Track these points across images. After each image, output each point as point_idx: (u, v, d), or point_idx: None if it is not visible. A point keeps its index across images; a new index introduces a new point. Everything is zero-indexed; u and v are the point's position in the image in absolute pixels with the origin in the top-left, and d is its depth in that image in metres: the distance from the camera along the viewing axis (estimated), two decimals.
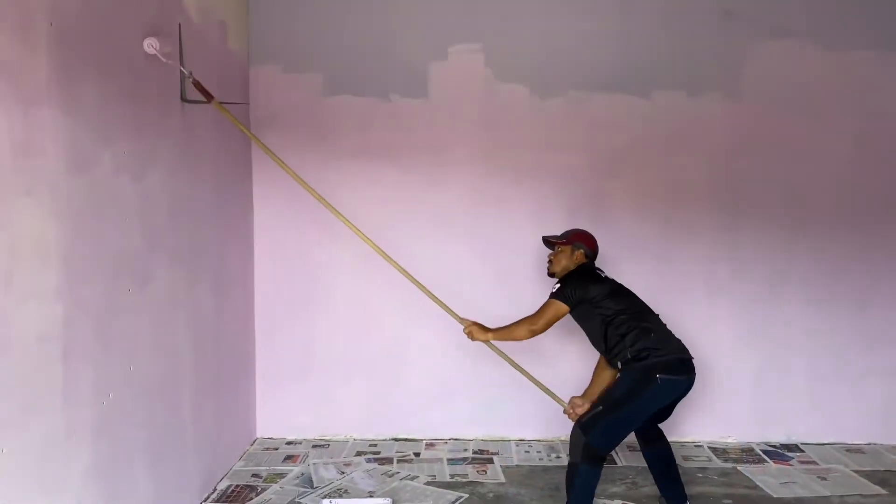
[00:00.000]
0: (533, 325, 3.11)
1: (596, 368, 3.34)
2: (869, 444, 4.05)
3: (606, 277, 3.18)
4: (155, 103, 2.72)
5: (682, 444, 4.01)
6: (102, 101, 2.32)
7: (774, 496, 3.38)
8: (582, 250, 3.25)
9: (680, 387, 2.95)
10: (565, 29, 3.94)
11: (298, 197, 3.98)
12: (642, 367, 2.92)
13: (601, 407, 2.93)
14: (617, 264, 3.80)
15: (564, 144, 3.97)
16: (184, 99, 2.95)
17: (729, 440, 4.08)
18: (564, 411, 3.27)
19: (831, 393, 4.06)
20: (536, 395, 3.52)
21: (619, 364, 3.01)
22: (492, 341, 3.32)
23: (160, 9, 2.76)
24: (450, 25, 3.96)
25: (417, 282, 3.38)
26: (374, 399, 4.11)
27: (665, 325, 3.11)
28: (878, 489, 3.45)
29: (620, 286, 3.17)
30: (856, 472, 3.66)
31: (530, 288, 3.80)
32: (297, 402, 4.11)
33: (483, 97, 3.99)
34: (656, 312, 3.15)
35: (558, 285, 3.14)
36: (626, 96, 3.94)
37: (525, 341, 3.20)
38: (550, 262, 3.30)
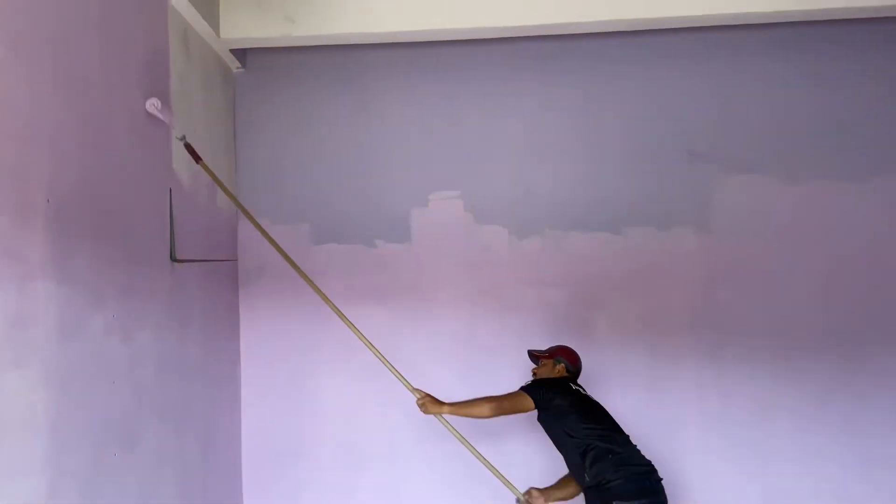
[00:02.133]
0: (499, 405, 3.11)
1: (566, 477, 3.31)
2: None
3: (579, 391, 3.22)
4: (146, 265, 2.82)
5: None
6: (96, 268, 2.40)
7: None
8: (563, 364, 3.37)
9: None
10: (538, 173, 4.14)
11: (285, 348, 4.06)
12: (598, 494, 2.93)
13: None
14: (606, 394, 3.79)
15: (545, 281, 4.08)
16: (173, 259, 3.05)
17: None
18: (518, 500, 3.23)
19: None
20: None
21: (583, 488, 3.05)
22: (445, 416, 3.27)
23: (153, 175, 2.92)
24: (429, 174, 4.16)
25: (367, 340, 3.43)
26: None
27: (633, 445, 3.12)
28: None
29: (590, 403, 3.19)
30: None
31: (522, 420, 3.76)
32: None
33: (464, 239, 4.13)
34: (626, 434, 3.16)
35: (530, 382, 3.23)
36: (600, 233, 4.09)
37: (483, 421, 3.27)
38: (535, 374, 3.41)
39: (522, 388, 3.18)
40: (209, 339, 3.52)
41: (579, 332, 4.02)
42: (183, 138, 3.11)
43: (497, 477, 3.37)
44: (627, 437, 3.16)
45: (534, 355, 3.49)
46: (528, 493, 3.24)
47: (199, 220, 3.47)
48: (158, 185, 2.97)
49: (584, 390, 3.28)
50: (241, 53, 4.09)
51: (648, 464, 3.08)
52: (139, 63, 2.84)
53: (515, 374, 3.90)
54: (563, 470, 3.34)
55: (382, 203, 4.16)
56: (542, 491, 3.26)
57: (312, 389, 4.05)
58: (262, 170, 4.17)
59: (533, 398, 3.13)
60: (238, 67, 4.15)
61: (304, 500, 4.00)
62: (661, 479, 3.07)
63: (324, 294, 3.48)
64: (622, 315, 4.07)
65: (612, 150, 4.15)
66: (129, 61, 2.75)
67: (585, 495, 3.06)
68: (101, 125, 2.51)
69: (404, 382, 3.42)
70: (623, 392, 3.96)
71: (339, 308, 3.58)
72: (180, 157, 3.18)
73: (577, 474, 3.12)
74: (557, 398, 3.13)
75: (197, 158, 3.18)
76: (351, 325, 3.44)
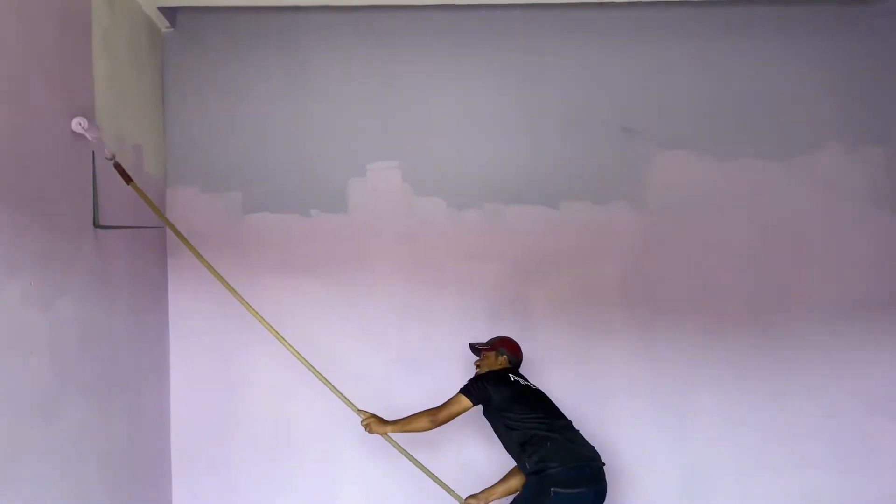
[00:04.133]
0: (435, 416, 3.17)
1: (512, 469, 3.35)
2: None
3: (517, 382, 3.24)
4: (67, 230, 2.67)
5: None
6: (9, 233, 2.26)
7: None
8: (505, 356, 3.40)
9: (583, 499, 2.94)
10: (477, 145, 4.13)
11: (216, 320, 3.95)
12: (538, 479, 2.96)
13: None
14: (541, 367, 3.87)
15: (483, 254, 4.08)
16: (96, 225, 2.91)
17: None
18: None
19: (758, 485, 4.12)
20: None
21: (525, 473, 3.08)
22: (390, 434, 3.31)
23: (74, 136, 2.76)
24: (367, 143, 4.09)
25: (311, 365, 3.42)
26: None
27: (575, 431, 3.18)
28: None
29: (530, 392, 3.24)
30: None
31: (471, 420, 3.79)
32: None
33: (402, 210, 4.09)
34: (568, 419, 3.22)
35: (468, 381, 3.26)
36: (537, 207, 4.12)
37: (427, 433, 3.28)
38: (477, 366, 3.43)
39: (461, 391, 3.22)
40: (136, 309, 3.38)
41: (516, 305, 4.06)
42: (112, 158, 2.97)
43: (439, 485, 3.43)
44: (569, 422, 3.21)
45: (475, 348, 3.51)
46: (467, 501, 3.31)
47: (125, 185, 3.31)
48: (80, 146, 2.82)
49: (523, 380, 3.31)
50: (170, 12, 3.91)
51: (591, 449, 3.13)
52: (56, 16, 2.66)
53: (453, 347, 3.92)
54: (509, 466, 3.39)
55: (318, 172, 4.07)
56: (481, 493, 3.31)
57: (246, 362, 3.95)
58: (191, 135, 4.01)
59: (471, 398, 3.18)
60: (167, 27, 3.97)
61: (236, 478, 3.93)
62: (604, 464, 3.12)
63: (258, 314, 3.45)
64: (558, 287, 4.12)
65: (550, 124, 4.17)
66: (46, 14, 2.57)
67: (525, 481, 3.09)
68: (16, 79, 2.35)
69: (349, 404, 3.42)
70: (556, 363, 4.03)
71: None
72: (105, 116, 3.02)
73: (518, 463, 3.17)
74: (496, 393, 3.17)
75: (128, 179, 3.06)
76: (290, 346, 3.43)
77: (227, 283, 3.41)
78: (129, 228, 3.25)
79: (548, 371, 3.99)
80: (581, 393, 4.06)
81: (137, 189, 3.09)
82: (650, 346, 4.14)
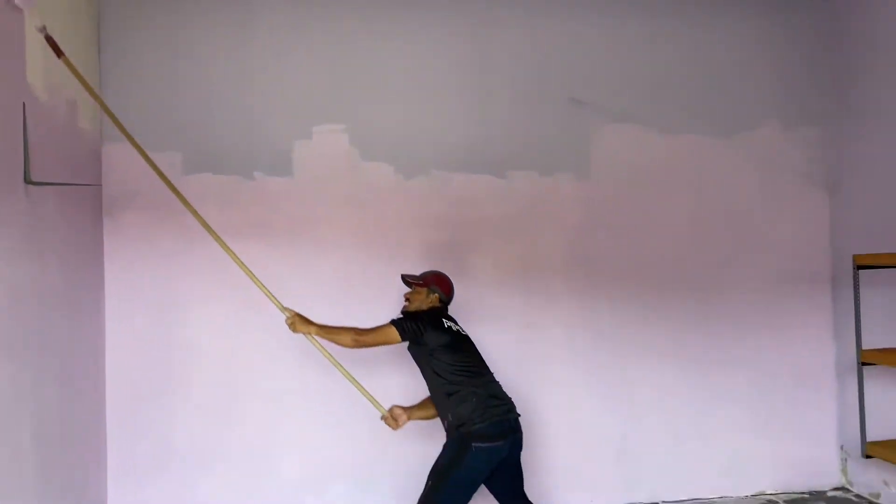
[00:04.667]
0: (361, 337, 3.16)
1: (428, 399, 3.40)
2: (721, 497, 4.30)
3: (450, 328, 3.22)
4: None
5: None
6: None
7: None
8: (437, 294, 3.36)
9: (501, 451, 3.02)
10: (426, 112, 4.10)
11: (153, 279, 3.85)
12: (459, 435, 3.01)
13: (430, 482, 3.01)
14: (483, 334, 3.90)
15: (430, 221, 4.08)
16: (27, 181, 2.78)
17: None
18: (382, 417, 3.35)
19: (687, 450, 4.30)
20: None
21: (446, 424, 3.12)
22: (315, 338, 3.28)
23: (3, 87, 2.62)
24: (313, 105, 4.01)
25: (241, 262, 3.35)
26: (242, 490, 3.90)
27: (497, 384, 3.22)
28: None
29: (461, 340, 3.23)
30: None
31: (406, 361, 3.79)
32: (155, 498, 3.82)
33: (348, 175, 4.04)
34: (490, 371, 3.26)
35: (401, 315, 3.24)
36: (484, 176, 4.13)
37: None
38: (407, 300, 3.38)
39: (392, 322, 3.17)
40: (70, 269, 3.26)
41: (461, 272, 4.06)
42: (43, 29, 2.81)
43: (363, 394, 3.40)
44: (492, 375, 3.25)
45: (407, 281, 3.43)
46: (391, 410, 3.34)
47: (58, 139, 3.17)
48: (10, 98, 2.67)
49: (455, 324, 3.30)
50: None
51: (508, 401, 3.18)
52: None
53: (397, 313, 3.91)
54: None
55: (262, 133, 3.98)
56: (405, 409, 3.36)
57: (184, 323, 3.87)
58: (130, 91, 3.85)
59: (401, 332, 3.15)
60: None
61: (175, 441, 3.86)
62: (519, 415, 3.19)
63: (192, 207, 3.34)
64: (502, 256, 4.16)
65: (500, 94, 4.17)
66: None
67: (448, 433, 3.13)
68: None
69: (274, 301, 3.35)
70: (499, 329, 4.08)
71: (214, 250, 3.43)
72: (37, 67, 2.87)
73: (440, 410, 3.19)
74: (428, 335, 3.14)
75: (58, 52, 2.90)
76: (223, 243, 3.34)
77: (167, 179, 3.33)
78: (62, 186, 3.11)
79: (490, 337, 4.03)
80: (522, 359, 4.13)
81: (69, 64, 2.95)
82: (590, 315, 4.23)
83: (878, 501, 4.12)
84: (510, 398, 3.23)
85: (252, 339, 3.90)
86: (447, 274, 3.51)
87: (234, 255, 3.35)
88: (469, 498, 3.06)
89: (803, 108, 4.45)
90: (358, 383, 3.41)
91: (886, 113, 4.04)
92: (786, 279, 4.41)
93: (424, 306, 3.32)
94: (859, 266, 3.61)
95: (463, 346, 3.21)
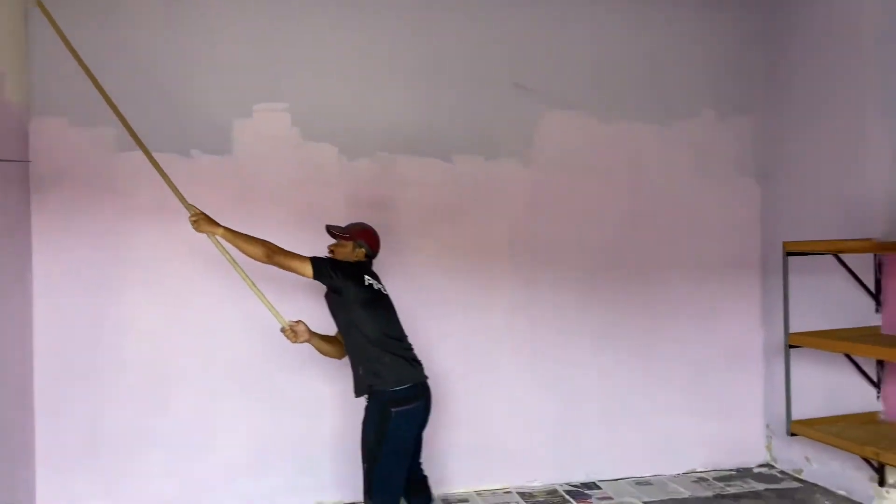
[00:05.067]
0: (273, 254, 2.98)
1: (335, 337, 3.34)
2: (654, 475, 4.43)
3: (371, 286, 3.11)
4: None
5: (493, 492, 4.15)
6: None
7: None
8: (363, 249, 3.26)
9: (419, 412, 3.06)
10: (371, 93, 4.05)
11: (84, 258, 3.71)
12: (378, 404, 3.01)
13: (365, 465, 3.01)
14: (425, 317, 3.92)
15: (374, 204, 4.04)
16: None
17: (535, 484, 4.28)
18: (282, 330, 3.23)
19: (622, 431, 4.41)
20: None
21: (355, 373, 3.09)
22: (220, 240, 3.14)
23: None
24: (254, 83, 3.92)
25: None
26: (176, 474, 3.82)
27: (409, 347, 3.17)
28: None
29: (381, 298, 3.14)
30: (646, 503, 3.99)
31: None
32: (85, 484, 3.71)
33: (290, 155, 3.97)
34: (404, 333, 3.20)
35: (327, 255, 3.12)
36: (430, 159, 4.12)
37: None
38: (332, 252, 3.25)
39: (312, 259, 3.03)
40: None
41: (404, 256, 4.06)
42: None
43: (266, 305, 3.26)
44: (407, 339, 3.21)
45: (332, 233, 3.30)
46: (298, 322, 3.22)
47: None
48: None
49: (378, 281, 3.21)
50: None
51: (420, 365, 3.17)
52: None
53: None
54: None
55: (200, 110, 3.86)
56: (310, 331, 3.25)
57: (116, 303, 3.74)
58: (59, 63, 3.64)
59: (315, 270, 3.00)
60: None
61: (106, 426, 3.74)
62: (427, 377, 3.16)
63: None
64: (447, 239, 4.16)
65: (447, 77, 4.16)
66: None
67: (357, 384, 3.10)
68: None
69: (179, 196, 3.23)
70: (441, 313, 4.11)
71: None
72: None
73: (353, 360, 3.13)
74: (349, 288, 3.04)
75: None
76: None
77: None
78: None
79: (433, 321, 4.06)
80: (463, 342, 4.17)
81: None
82: (531, 298, 4.29)
83: (801, 477, 4.32)
84: (420, 361, 3.19)
85: (187, 319, 3.81)
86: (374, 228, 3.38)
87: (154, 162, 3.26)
88: (407, 460, 3.08)
89: (737, 98, 4.58)
90: (261, 293, 3.26)
91: (815, 103, 4.20)
92: (719, 265, 4.56)
93: (350, 260, 3.21)
94: (789, 253, 3.75)
95: (381, 305, 3.14)
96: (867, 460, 3.72)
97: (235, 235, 3.05)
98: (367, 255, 3.28)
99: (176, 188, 3.25)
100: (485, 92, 4.20)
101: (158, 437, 3.81)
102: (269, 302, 3.27)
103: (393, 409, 2.97)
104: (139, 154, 3.76)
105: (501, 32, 4.22)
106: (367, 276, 3.14)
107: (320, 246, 3.89)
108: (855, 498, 3.92)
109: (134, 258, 3.76)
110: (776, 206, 4.51)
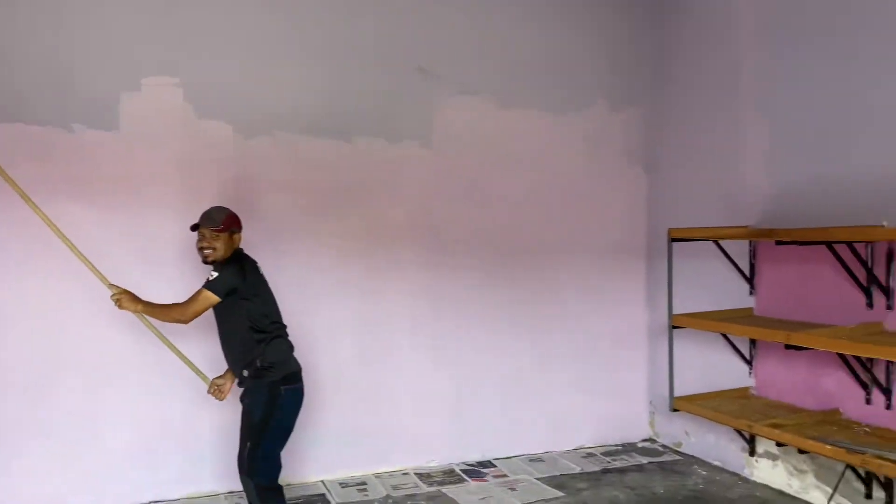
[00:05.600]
0: (181, 317, 3.04)
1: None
2: (546, 452, 4.60)
3: (258, 270, 3.16)
4: None
5: (391, 474, 4.18)
6: None
7: None
8: (238, 234, 3.17)
9: (300, 392, 3.13)
10: (270, 69, 3.93)
11: None
12: (266, 384, 3.03)
13: (249, 443, 3.02)
14: (326, 301, 3.89)
15: (271, 184, 3.94)
16: None
17: (432, 464, 4.34)
18: (209, 391, 3.29)
19: (516, 410, 4.55)
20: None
21: (246, 372, 3.08)
22: (143, 314, 3.16)
23: None
24: (143, 54, 3.71)
25: (66, 238, 3.16)
26: (62, 466, 3.61)
27: (285, 326, 3.21)
28: (557, 493, 3.94)
29: (259, 285, 3.13)
30: (539, 479, 4.14)
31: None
32: None
33: (182, 133, 3.80)
34: (280, 314, 3.21)
35: (215, 274, 3.03)
36: (332, 140, 4.06)
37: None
38: (211, 248, 3.07)
39: (206, 286, 3.00)
40: None
41: (304, 238, 3.99)
42: None
43: (190, 367, 3.31)
44: (283, 321, 3.21)
45: (206, 229, 3.10)
46: (213, 383, 3.29)
47: None
48: None
49: (255, 264, 3.17)
50: None
51: (291, 346, 3.20)
52: None
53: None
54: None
55: (83, 82, 3.63)
56: (224, 378, 3.29)
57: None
58: None
59: (217, 293, 2.99)
60: None
61: None
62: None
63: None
64: (348, 222, 4.12)
65: (350, 57, 4.10)
66: None
67: (244, 382, 3.11)
68: None
69: (100, 277, 3.16)
70: (342, 295, 4.08)
71: (32, 200, 3.12)
72: None
73: (243, 357, 3.08)
74: (247, 280, 3.05)
75: None
76: (42, 214, 3.10)
77: None
78: None
79: (335, 305, 4.02)
80: (363, 326, 4.16)
81: None
82: (432, 281, 4.33)
83: (680, 450, 4.61)
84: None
85: (71, 306, 3.59)
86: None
87: (59, 231, 3.14)
88: (286, 440, 3.13)
89: (628, 90, 4.77)
90: (185, 357, 3.30)
91: (697, 97, 4.45)
92: (609, 250, 4.76)
93: (230, 251, 3.12)
94: (673, 239, 3.96)
95: (264, 288, 3.16)
96: (740, 432, 4.02)
97: (153, 308, 3.10)
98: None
99: (95, 268, 3.16)
100: (388, 75, 4.17)
101: (43, 428, 3.59)
102: (192, 364, 3.31)
103: (283, 388, 3.04)
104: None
105: (405, 16, 4.20)
106: (247, 264, 3.13)
107: None
108: (728, 468, 4.23)
109: (18, 238, 3.51)
110: (662, 194, 4.76)
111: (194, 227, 3.13)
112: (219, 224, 3.09)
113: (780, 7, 3.87)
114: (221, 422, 3.78)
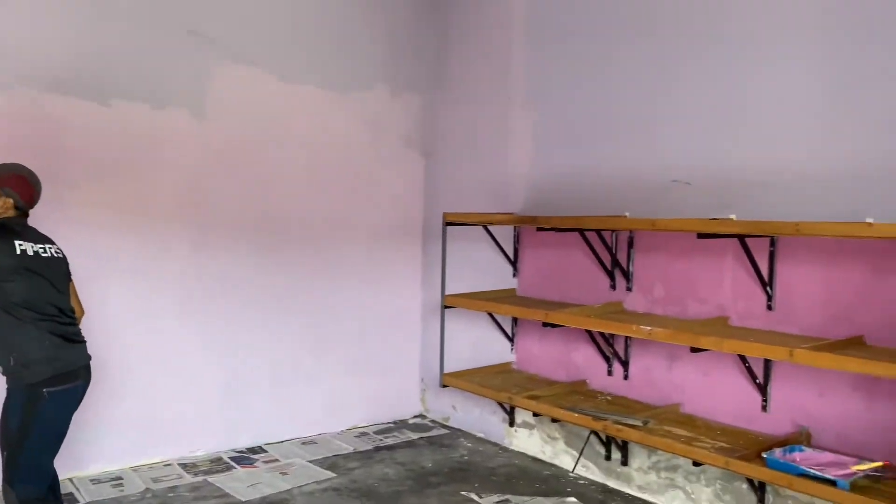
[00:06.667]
0: None
1: None
2: (319, 434, 4.57)
3: (24, 252, 2.62)
4: None
5: (151, 467, 3.90)
6: None
7: (243, 500, 3.54)
8: (12, 199, 2.67)
9: (76, 395, 2.74)
10: (10, 14, 3.43)
11: None
12: (25, 387, 2.59)
13: (6, 452, 2.61)
14: (96, 285, 3.49)
15: (12, 147, 3.44)
16: None
17: (198, 453, 4.12)
18: None
19: (289, 394, 4.46)
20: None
21: (1, 369, 2.65)
22: None
23: None
24: None
25: None
26: None
27: (71, 322, 2.78)
28: (329, 474, 3.93)
29: (38, 265, 2.65)
30: (311, 461, 4.10)
31: None
32: None
33: None
34: (67, 304, 2.78)
35: None
36: (83, 101, 3.64)
37: None
38: None
39: None
40: None
41: (53, 210, 3.54)
42: None
43: None
44: (70, 313, 2.80)
45: None
46: None
47: None
48: None
49: (36, 243, 2.70)
50: None
51: (81, 342, 2.80)
52: None
53: None
54: None
55: None
56: None
57: None
58: None
59: None
60: None
61: None
62: (91, 357, 2.83)
63: None
64: (106, 195, 3.74)
65: (111, 11, 3.70)
66: None
67: (9, 387, 2.64)
68: None
69: None
70: (104, 276, 3.70)
71: None
72: None
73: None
74: (2, 259, 2.55)
75: None
76: None
77: None
78: None
79: (103, 288, 3.64)
80: (128, 311, 3.82)
81: None
82: (205, 262, 4.09)
83: (448, 424, 4.83)
84: (83, 340, 2.83)
85: None
86: (32, 172, 2.80)
87: None
88: (58, 446, 2.75)
89: (408, 75, 4.85)
90: None
91: (472, 86, 4.65)
92: (387, 232, 4.83)
93: None
94: (448, 223, 4.12)
95: (38, 273, 2.64)
96: (501, 405, 4.29)
97: None
98: (16, 207, 2.69)
99: None
100: (154, 34, 3.83)
101: None
102: None
103: (45, 390, 2.59)
104: None
105: None
106: (17, 241, 2.62)
107: None
108: (491, 439, 4.51)
109: None
110: (438, 179, 4.91)
111: None
112: None
113: (549, 7, 4.14)
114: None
